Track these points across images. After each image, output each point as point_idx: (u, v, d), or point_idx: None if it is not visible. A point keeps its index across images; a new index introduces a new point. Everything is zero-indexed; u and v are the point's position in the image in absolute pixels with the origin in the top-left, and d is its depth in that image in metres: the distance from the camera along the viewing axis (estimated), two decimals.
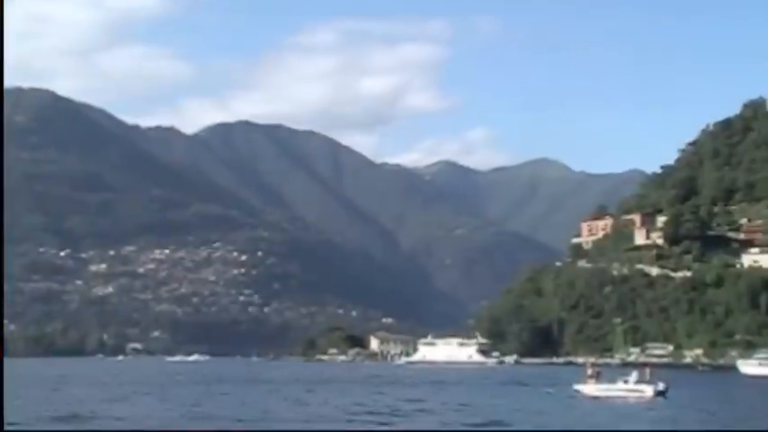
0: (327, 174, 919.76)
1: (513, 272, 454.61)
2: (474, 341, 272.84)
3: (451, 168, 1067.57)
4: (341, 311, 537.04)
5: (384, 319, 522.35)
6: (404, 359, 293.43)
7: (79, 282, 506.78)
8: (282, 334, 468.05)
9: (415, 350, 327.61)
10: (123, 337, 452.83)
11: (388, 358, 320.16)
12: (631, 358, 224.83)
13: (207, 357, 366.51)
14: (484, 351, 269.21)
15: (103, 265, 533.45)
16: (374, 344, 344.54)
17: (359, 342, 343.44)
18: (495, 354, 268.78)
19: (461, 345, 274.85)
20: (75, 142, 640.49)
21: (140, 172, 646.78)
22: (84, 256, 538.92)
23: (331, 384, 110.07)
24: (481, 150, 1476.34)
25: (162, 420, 54.90)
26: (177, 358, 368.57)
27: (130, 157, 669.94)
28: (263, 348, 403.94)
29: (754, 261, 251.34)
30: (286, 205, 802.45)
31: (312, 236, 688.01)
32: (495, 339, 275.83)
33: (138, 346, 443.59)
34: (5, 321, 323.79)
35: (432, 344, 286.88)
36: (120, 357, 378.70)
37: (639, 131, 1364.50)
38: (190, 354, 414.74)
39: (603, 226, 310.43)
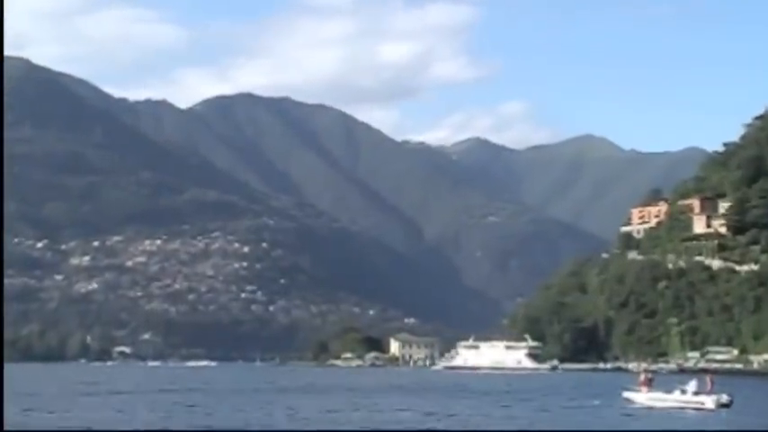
0: (341, 153, 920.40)
1: (553, 265, 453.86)
2: (524, 344, 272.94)
3: (483, 147, 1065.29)
4: (356, 310, 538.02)
5: (406, 320, 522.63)
6: (441, 364, 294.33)
7: (59, 277, 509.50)
8: (290, 336, 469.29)
9: (442, 355, 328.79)
10: (109, 339, 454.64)
11: (411, 363, 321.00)
12: (689, 364, 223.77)
13: (204, 362, 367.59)
14: (534, 355, 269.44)
15: (86, 258, 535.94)
16: (394, 347, 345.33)
17: (377, 345, 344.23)
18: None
19: (509, 348, 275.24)
20: (53, 118, 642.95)
21: (128, 152, 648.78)
22: (64, 247, 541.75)
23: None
24: (517, 126, 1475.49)
25: None
26: (157, 363, 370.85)
27: (117, 135, 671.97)
28: (267, 352, 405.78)
29: None
30: (294, 189, 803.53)
31: (324, 224, 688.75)
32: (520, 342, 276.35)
33: (126, 349, 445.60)
34: None
35: (474, 347, 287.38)
36: (110, 363, 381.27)
37: (699, 104, 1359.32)
38: (185, 358, 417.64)
39: (657, 212, 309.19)
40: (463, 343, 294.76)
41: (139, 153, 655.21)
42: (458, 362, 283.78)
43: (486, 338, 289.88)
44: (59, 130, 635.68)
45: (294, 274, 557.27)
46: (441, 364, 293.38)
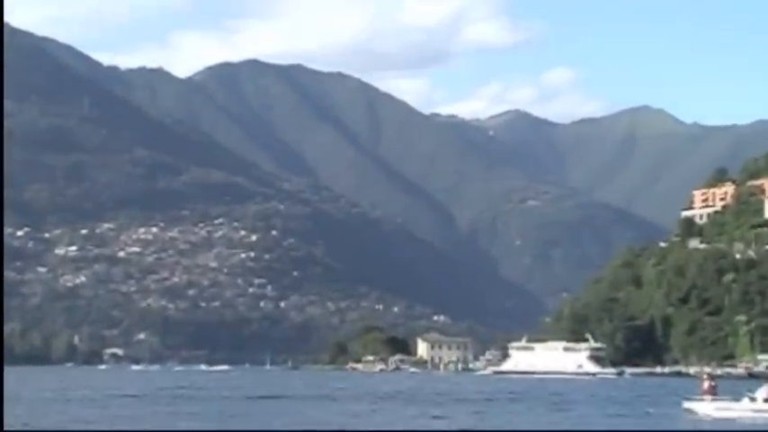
0: (361, 129, 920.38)
1: (603, 255, 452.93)
2: (585, 345, 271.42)
3: (523, 120, 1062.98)
4: (379, 307, 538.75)
5: (435, 317, 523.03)
6: (489, 368, 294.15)
7: (42, 269, 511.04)
8: (303, 336, 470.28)
9: (476, 357, 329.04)
10: (99, 340, 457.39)
11: (441, 366, 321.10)
12: (760, 368, 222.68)
13: (223, 367, 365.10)
14: (597, 358, 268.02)
15: (73, 248, 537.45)
16: (422, 348, 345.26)
17: (402, 346, 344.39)
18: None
19: (568, 350, 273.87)
20: (34, 89, 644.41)
21: (120, 127, 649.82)
22: (48, 236, 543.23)
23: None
24: (562, 97, 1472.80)
25: None
26: (139, 367, 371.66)
27: (107, 108, 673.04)
28: (278, 354, 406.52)
29: None
30: (308, 170, 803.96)
31: (342, 209, 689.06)
32: (580, 343, 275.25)
33: (118, 351, 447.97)
34: None
35: (527, 349, 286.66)
36: (102, 366, 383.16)
37: None
38: (185, 361, 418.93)
39: (723, 195, 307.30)
40: (515, 344, 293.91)
41: (133, 128, 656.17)
42: (508, 365, 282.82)
43: (540, 339, 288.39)
44: (42, 103, 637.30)
45: (308, 266, 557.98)
46: (489, 368, 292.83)
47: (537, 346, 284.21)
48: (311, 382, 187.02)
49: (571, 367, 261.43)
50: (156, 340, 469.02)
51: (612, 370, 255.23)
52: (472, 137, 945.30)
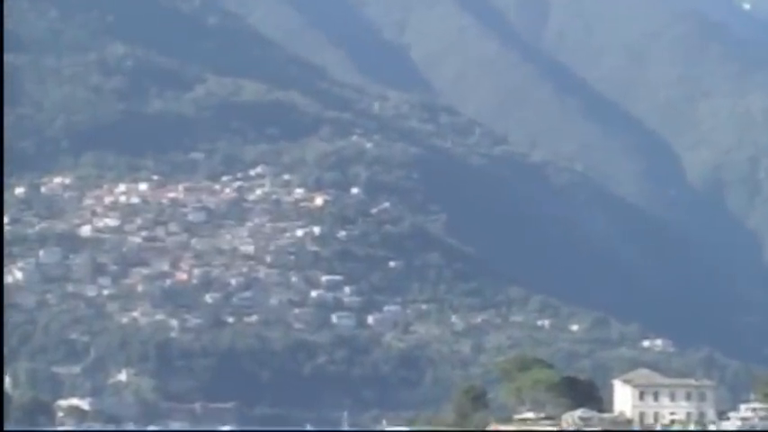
0: (511, 4, 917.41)
1: None
2: None
3: None
4: (543, 323, 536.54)
5: (645, 342, 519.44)
6: None
7: None
8: (409, 375, 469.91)
9: (722, 414, 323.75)
10: (51, 382, 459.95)
11: (658, 428, 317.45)
12: None
13: None
14: None
15: (4, 220, 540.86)
16: (624, 397, 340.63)
17: (587, 393, 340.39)
18: None
19: None
20: None
21: (83, 6, 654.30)
22: None
23: None
24: None
25: None
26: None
27: None
28: (364, 408, 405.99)
29: None
30: (417, 79, 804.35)
31: (477, 149, 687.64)
32: None
33: (81, 404, 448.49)
34: None
35: None
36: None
37: None
38: (201, 419, 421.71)
39: None
40: None
41: (105, 8, 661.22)
42: None
43: None
44: None
45: (416, 252, 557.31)
46: None
47: None
48: None
49: None
50: (148, 384, 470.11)
51: None
52: (709, 15, 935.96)
